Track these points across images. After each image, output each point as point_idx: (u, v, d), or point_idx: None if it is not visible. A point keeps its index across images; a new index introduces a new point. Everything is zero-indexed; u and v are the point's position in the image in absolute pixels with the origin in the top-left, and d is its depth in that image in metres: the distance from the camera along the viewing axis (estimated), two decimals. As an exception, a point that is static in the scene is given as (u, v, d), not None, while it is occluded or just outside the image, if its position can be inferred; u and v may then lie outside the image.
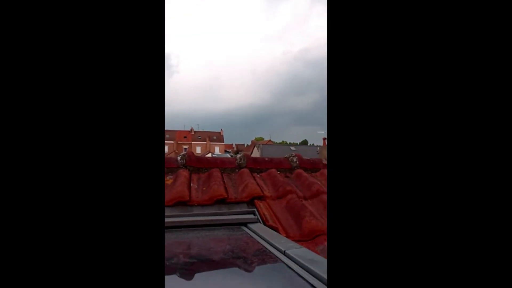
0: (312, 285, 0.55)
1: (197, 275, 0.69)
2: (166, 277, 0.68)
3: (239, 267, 0.75)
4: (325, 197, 1.46)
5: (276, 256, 0.73)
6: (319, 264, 0.61)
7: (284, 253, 0.73)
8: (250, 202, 1.43)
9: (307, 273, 0.60)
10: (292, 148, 23.03)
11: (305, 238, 1.14)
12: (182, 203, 1.35)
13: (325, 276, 0.57)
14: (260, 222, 1.21)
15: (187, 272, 0.71)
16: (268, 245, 0.83)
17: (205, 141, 40.81)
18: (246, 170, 1.76)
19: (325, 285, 0.55)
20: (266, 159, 1.97)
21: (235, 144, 43.70)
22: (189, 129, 43.13)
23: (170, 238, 0.98)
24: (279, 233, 1.12)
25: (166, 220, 1.12)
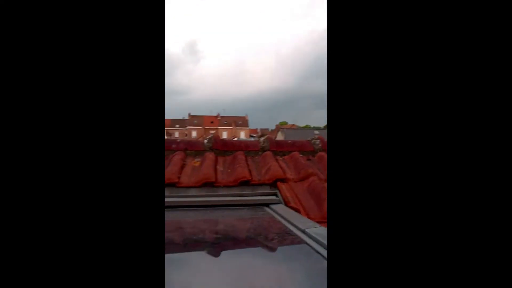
0: (322, 255, 0.59)
1: (223, 253, 0.74)
2: (195, 253, 0.75)
3: (261, 244, 0.80)
4: (348, 180, 1.46)
5: (296, 235, 0.77)
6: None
7: (304, 232, 0.76)
8: (273, 184, 1.47)
9: (325, 250, 0.63)
10: (316, 132, 22.60)
11: (326, 220, 1.16)
12: (209, 184, 1.43)
13: None
14: (282, 203, 1.25)
15: (214, 248, 0.77)
16: (290, 224, 0.87)
17: (231, 126, 41.33)
18: (269, 153, 1.80)
19: None
20: (289, 142, 1.98)
21: (260, 129, 43.78)
22: (216, 115, 43.82)
23: (198, 216, 1.06)
24: (301, 214, 1.16)
25: (195, 199, 1.20)
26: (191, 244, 0.81)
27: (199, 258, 0.70)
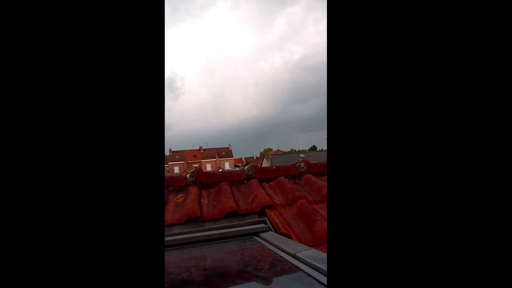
0: (321, 283, 0.56)
1: None
2: None
3: (254, 277, 0.76)
4: (335, 199, 1.45)
5: (287, 260, 0.74)
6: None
7: (294, 256, 0.73)
8: (261, 212, 1.43)
9: (316, 272, 0.60)
10: (301, 155, 22.90)
11: (318, 242, 1.13)
12: (194, 220, 1.37)
13: None
14: (272, 230, 1.21)
15: None
16: (280, 250, 0.84)
17: (215, 158, 41.05)
18: (254, 181, 1.77)
19: None
20: (274, 167, 1.98)
21: (244, 158, 43.74)
22: (198, 148, 43.54)
23: (183, 255, 1.00)
24: (292, 239, 1.12)
25: (179, 237, 1.14)
26: (177, 286, 0.75)
27: None
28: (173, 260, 0.96)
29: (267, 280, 0.71)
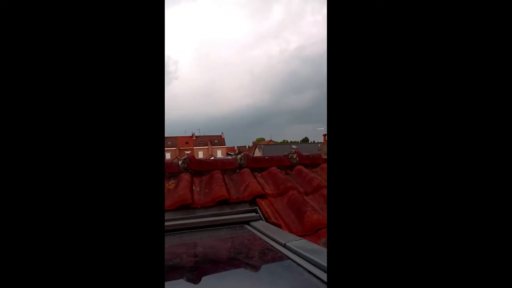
0: (311, 272, 0.57)
1: (203, 279, 0.70)
2: (173, 282, 0.69)
3: (243, 264, 0.77)
4: (325, 191, 1.48)
5: (277, 249, 0.75)
6: (318, 252, 0.63)
7: (284, 246, 0.75)
8: (252, 201, 1.44)
9: (306, 262, 0.62)
10: (293, 146, 23.04)
11: (308, 233, 1.15)
12: (185, 206, 1.37)
13: (324, 263, 0.58)
14: (262, 220, 1.23)
15: (193, 274, 0.72)
16: (270, 240, 0.85)
17: (207, 145, 40.88)
18: (247, 170, 1.78)
19: (324, 272, 0.57)
20: (266, 157, 1.98)
21: (237, 147, 43.72)
22: (191, 135, 43.23)
23: (174, 241, 1.00)
24: (282, 229, 1.14)
25: (170, 223, 1.14)
26: (167, 271, 0.76)
27: (178, 287, 0.66)
28: (165, 245, 0.96)
29: (257, 268, 0.73)
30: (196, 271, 0.75)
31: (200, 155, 37.10)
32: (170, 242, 0.99)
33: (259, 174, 1.79)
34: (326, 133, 0.45)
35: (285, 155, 2.00)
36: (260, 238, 0.91)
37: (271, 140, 42.39)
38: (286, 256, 0.69)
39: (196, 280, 0.69)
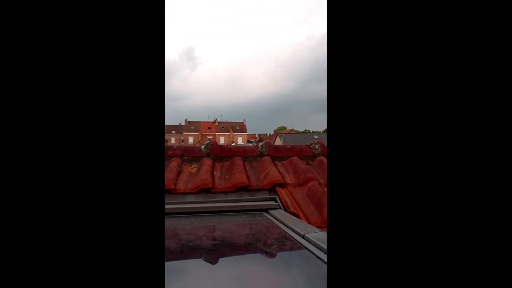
0: None
1: (221, 260, 0.72)
2: (192, 260, 0.72)
3: (260, 250, 0.78)
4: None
5: (296, 240, 0.75)
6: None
7: (303, 237, 0.74)
8: (272, 189, 1.45)
9: (325, 254, 0.61)
10: (315, 136, 22.63)
11: (326, 225, 1.14)
12: (206, 190, 1.41)
13: None
14: (281, 208, 1.23)
15: (212, 255, 0.74)
16: (289, 229, 0.85)
17: (229, 131, 41.36)
18: (267, 158, 1.78)
19: None
20: (288, 146, 1.97)
21: (258, 134, 43.84)
22: (213, 120, 43.87)
23: (194, 223, 1.04)
24: (300, 219, 1.14)
25: (192, 205, 1.18)
26: (187, 251, 0.79)
27: (196, 266, 0.68)
28: (185, 226, 1.00)
29: (273, 255, 0.74)
30: (214, 252, 0.77)
31: (222, 140, 37.68)
32: (191, 224, 1.03)
33: (279, 163, 1.78)
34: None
35: (307, 145, 1.97)
36: (278, 226, 0.91)
37: (292, 129, 41.98)
38: (305, 247, 0.69)
39: (213, 261, 0.71)
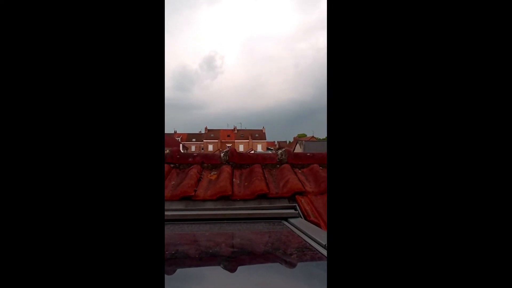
0: None
1: (239, 268, 0.71)
2: (211, 268, 0.72)
3: (280, 259, 0.76)
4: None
5: (317, 250, 0.72)
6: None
7: (325, 247, 0.72)
8: (291, 197, 1.42)
9: None
10: (337, 144, 22.10)
11: (349, 235, 1.10)
12: (225, 197, 1.41)
13: None
14: (301, 217, 1.20)
15: (230, 263, 0.74)
16: (309, 239, 0.83)
17: (248, 139, 41.61)
18: (287, 166, 1.76)
19: None
20: (308, 154, 1.93)
21: (277, 142, 43.69)
22: (233, 128, 44.40)
23: (213, 229, 1.04)
24: (321, 228, 1.10)
25: (211, 212, 1.18)
26: (206, 258, 0.78)
27: (215, 273, 0.68)
28: (204, 233, 1.00)
29: (293, 265, 0.71)
30: (233, 260, 0.76)
31: (241, 148, 37.94)
32: (210, 230, 1.03)
33: (299, 171, 1.75)
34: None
35: (328, 152, 1.93)
36: (299, 236, 0.89)
37: (313, 136, 41.43)
38: (326, 257, 0.66)
39: (232, 269, 0.70)
